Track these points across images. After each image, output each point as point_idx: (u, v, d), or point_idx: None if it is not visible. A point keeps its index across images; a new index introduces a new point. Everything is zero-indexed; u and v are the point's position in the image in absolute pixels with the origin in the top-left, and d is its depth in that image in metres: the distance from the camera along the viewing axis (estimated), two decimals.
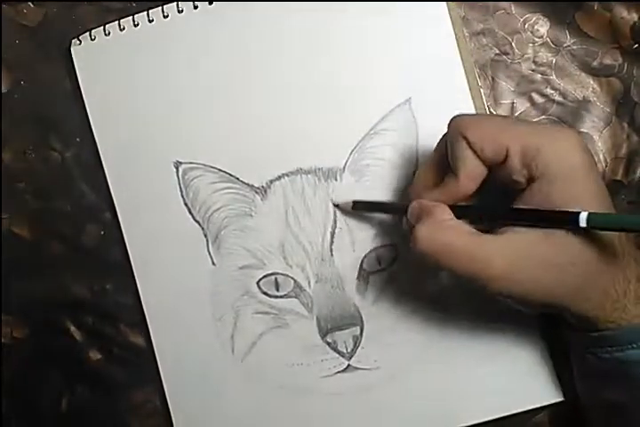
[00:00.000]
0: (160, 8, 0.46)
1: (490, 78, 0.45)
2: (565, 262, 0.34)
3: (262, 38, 0.45)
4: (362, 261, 0.44)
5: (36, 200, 0.48)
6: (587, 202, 0.34)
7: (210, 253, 0.45)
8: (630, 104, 0.44)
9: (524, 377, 0.42)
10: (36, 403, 0.48)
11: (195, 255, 0.45)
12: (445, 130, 0.37)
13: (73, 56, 0.46)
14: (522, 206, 0.35)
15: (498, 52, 0.45)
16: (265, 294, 0.45)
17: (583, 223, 0.32)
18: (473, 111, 0.43)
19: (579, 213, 0.32)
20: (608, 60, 0.44)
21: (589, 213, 0.32)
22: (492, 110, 0.44)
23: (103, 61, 0.46)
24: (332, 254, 0.44)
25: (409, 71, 0.44)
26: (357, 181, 0.44)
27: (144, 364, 0.46)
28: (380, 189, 0.44)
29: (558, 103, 0.44)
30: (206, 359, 0.45)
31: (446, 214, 0.36)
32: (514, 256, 0.34)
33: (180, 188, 0.45)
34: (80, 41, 0.46)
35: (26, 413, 0.48)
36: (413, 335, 0.43)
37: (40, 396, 0.48)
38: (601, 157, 0.44)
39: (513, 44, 0.45)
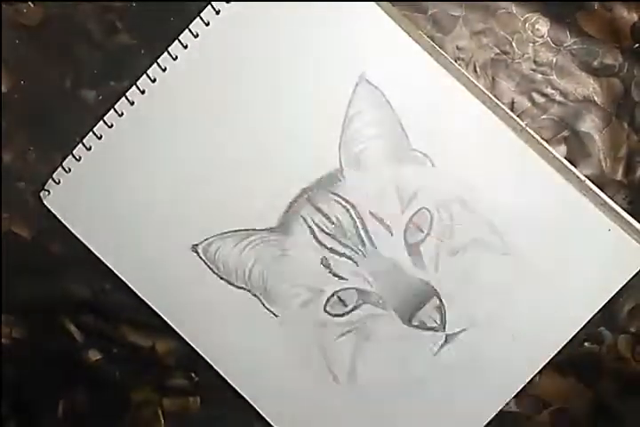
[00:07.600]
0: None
1: (490, 78, 0.45)
2: None
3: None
4: (404, 238, 0.43)
5: (36, 200, 0.48)
6: None
7: (267, 309, 0.45)
8: (631, 104, 0.44)
9: None
10: (35, 403, 0.48)
11: (254, 318, 0.45)
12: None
13: (48, 205, 0.46)
14: None
15: (498, 51, 0.45)
16: (336, 315, 0.44)
17: None
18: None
19: None
20: (609, 60, 0.44)
21: None
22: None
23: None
24: (375, 248, 0.43)
25: (355, 54, 0.43)
26: (359, 170, 0.43)
27: (144, 364, 0.46)
28: (380, 165, 0.43)
29: (559, 103, 0.44)
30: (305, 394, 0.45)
31: None
32: None
33: (209, 266, 0.45)
34: (49, 191, 0.46)
35: (25, 413, 0.48)
36: (487, 279, 0.43)
37: (39, 396, 0.48)
38: (601, 156, 0.44)
39: (513, 43, 0.45)
